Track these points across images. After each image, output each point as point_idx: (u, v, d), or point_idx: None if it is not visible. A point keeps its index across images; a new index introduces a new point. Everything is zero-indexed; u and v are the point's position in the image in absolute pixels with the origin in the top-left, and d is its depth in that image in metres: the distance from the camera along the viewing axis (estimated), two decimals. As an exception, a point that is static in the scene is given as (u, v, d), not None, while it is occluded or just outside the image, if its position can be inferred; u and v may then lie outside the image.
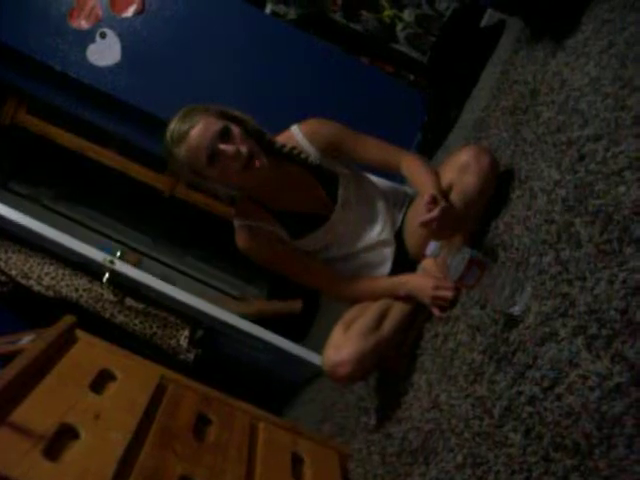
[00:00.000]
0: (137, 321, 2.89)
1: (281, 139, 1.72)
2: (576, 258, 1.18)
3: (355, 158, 1.76)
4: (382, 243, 1.81)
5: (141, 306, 2.92)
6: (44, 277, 2.84)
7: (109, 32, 2.92)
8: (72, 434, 1.29)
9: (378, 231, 1.80)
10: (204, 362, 3.04)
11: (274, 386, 3.27)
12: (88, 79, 2.94)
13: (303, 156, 1.70)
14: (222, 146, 1.53)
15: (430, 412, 1.50)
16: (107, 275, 2.74)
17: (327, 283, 1.81)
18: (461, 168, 1.64)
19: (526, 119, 1.75)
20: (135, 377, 1.58)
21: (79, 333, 1.66)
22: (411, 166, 1.69)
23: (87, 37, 2.92)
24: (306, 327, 3.36)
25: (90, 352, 1.61)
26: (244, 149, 1.53)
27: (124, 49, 2.93)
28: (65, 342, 1.58)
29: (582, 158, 1.33)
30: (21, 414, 1.26)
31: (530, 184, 1.52)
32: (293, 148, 1.70)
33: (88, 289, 2.87)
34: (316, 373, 2.75)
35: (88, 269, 2.87)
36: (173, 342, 2.91)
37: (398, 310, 1.74)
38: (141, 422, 1.40)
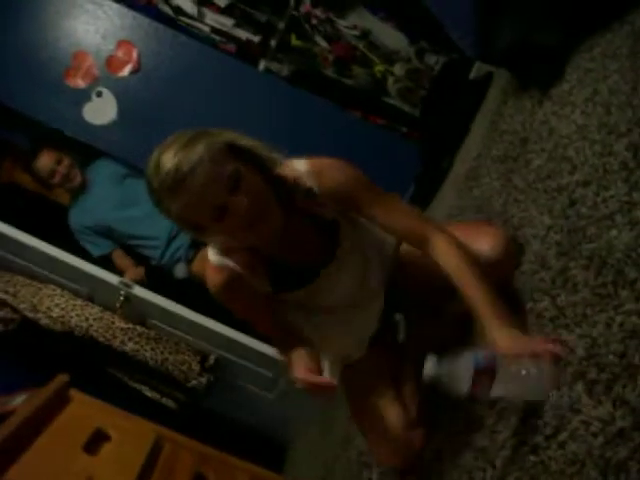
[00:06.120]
0: (148, 347, 2.87)
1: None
2: (572, 302, 1.18)
3: (368, 219, 1.44)
4: (370, 298, 1.58)
5: (153, 332, 2.90)
6: (54, 308, 2.83)
7: (105, 91, 2.98)
8: (65, 497, 1.26)
9: (368, 288, 1.55)
10: (205, 413, 3.02)
11: (274, 440, 3.21)
12: (84, 137, 2.98)
13: (317, 209, 1.40)
14: (232, 198, 1.20)
15: (432, 464, 1.47)
16: (121, 299, 2.76)
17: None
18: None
19: (517, 167, 1.77)
20: (130, 437, 1.55)
21: (73, 392, 1.64)
22: (452, 262, 1.33)
23: (83, 96, 2.97)
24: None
25: (84, 412, 1.59)
26: (256, 204, 1.22)
27: (120, 108, 2.98)
28: (59, 402, 1.56)
29: (573, 203, 1.34)
30: (13, 478, 1.23)
31: (523, 231, 1.53)
32: (312, 197, 1.36)
33: (99, 318, 2.86)
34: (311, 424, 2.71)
35: (99, 299, 2.89)
36: (185, 367, 2.87)
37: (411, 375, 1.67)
38: (136, 483, 1.37)
